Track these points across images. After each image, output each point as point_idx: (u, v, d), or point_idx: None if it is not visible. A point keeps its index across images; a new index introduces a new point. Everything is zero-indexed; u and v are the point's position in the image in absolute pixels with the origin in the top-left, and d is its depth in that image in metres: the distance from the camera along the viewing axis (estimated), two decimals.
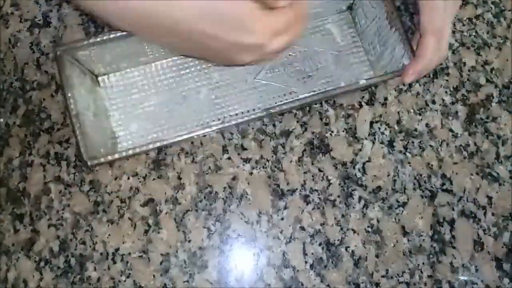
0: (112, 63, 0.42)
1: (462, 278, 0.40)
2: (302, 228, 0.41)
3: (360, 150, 0.43)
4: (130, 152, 0.37)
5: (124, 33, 0.38)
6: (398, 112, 0.44)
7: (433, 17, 0.37)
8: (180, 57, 0.44)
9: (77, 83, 0.39)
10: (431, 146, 0.43)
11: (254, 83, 0.44)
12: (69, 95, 0.37)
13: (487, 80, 0.46)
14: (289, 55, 0.45)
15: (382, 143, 0.43)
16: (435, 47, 0.38)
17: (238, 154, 0.43)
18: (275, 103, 0.43)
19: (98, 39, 0.38)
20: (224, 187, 0.42)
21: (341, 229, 0.41)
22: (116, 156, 0.37)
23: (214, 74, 0.44)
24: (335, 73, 0.44)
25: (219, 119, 0.42)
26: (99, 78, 0.44)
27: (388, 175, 0.43)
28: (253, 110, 0.43)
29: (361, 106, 0.44)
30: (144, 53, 0.42)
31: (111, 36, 0.38)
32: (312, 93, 0.43)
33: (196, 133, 0.38)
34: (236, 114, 0.43)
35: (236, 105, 0.43)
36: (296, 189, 0.42)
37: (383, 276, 0.40)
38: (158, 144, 0.37)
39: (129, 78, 0.44)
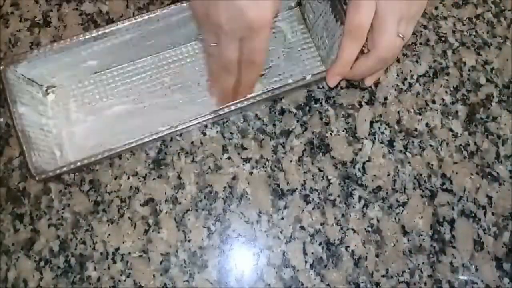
0: (59, 74, 0.42)
1: (462, 277, 0.40)
2: (302, 228, 0.41)
3: (360, 149, 0.43)
4: (79, 164, 0.37)
5: (67, 43, 0.38)
6: (398, 112, 0.44)
7: (350, 17, 0.36)
8: (130, 62, 0.43)
9: (24, 96, 0.39)
10: (431, 145, 0.43)
11: (207, 85, 0.43)
12: (14, 110, 0.37)
13: (487, 80, 0.46)
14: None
15: (382, 142, 0.43)
16: (352, 47, 0.37)
17: (238, 153, 0.43)
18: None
19: (41, 51, 0.38)
20: (224, 187, 0.42)
21: (341, 228, 0.41)
22: (65, 169, 0.37)
23: (165, 78, 0.44)
24: (287, 70, 0.44)
25: (170, 126, 0.40)
26: (48, 90, 0.43)
27: (388, 175, 0.43)
28: (203, 115, 0.41)
29: (361, 105, 0.44)
30: (92, 61, 0.41)
31: (54, 47, 0.38)
32: (261, 93, 0.40)
33: (144, 139, 0.38)
34: (191, 117, 0.41)
35: (190, 107, 0.43)
36: (296, 188, 0.42)
37: (383, 276, 0.40)
38: (106, 154, 0.37)
39: (79, 88, 0.43)
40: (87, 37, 0.38)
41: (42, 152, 0.38)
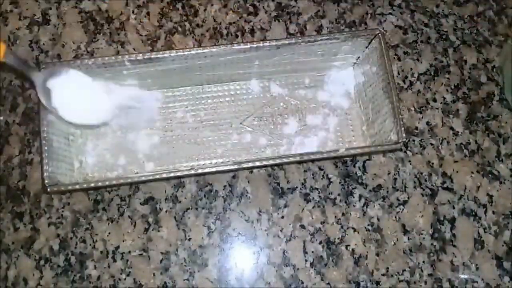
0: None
1: (462, 276, 0.40)
2: (302, 227, 0.41)
3: None
4: (92, 185, 0.37)
5: (111, 60, 0.38)
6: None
7: None
8: (169, 89, 0.43)
9: None
10: (431, 144, 0.43)
11: (239, 128, 0.43)
12: (43, 117, 0.37)
13: (488, 78, 0.46)
14: (281, 105, 0.43)
15: None
16: None
17: None
18: (256, 151, 0.42)
19: (83, 63, 0.38)
20: (224, 186, 0.42)
21: (342, 227, 0.41)
22: (77, 186, 0.36)
23: (200, 112, 0.43)
24: (322, 131, 0.42)
25: (192, 168, 0.39)
26: None
27: (389, 174, 0.42)
28: (226, 161, 0.41)
29: None
30: (132, 80, 0.41)
31: (97, 61, 0.38)
32: (287, 157, 0.38)
33: (163, 175, 0.37)
34: (215, 158, 0.42)
35: (216, 147, 0.42)
36: (296, 187, 0.42)
37: (383, 275, 0.40)
38: (121, 181, 0.37)
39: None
40: (131, 59, 0.38)
41: (60, 163, 0.38)
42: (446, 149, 0.43)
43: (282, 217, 0.41)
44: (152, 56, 0.38)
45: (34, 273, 0.39)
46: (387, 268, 0.40)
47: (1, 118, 0.43)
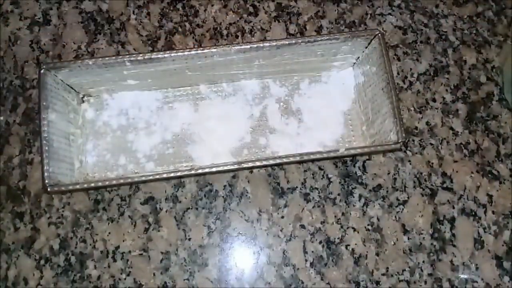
0: (97, 86, 0.41)
1: (462, 276, 0.40)
2: (302, 226, 0.41)
3: None
4: (92, 185, 0.36)
5: (111, 61, 0.38)
6: None
7: None
8: (169, 88, 0.43)
9: (58, 102, 0.39)
10: (431, 144, 0.43)
11: (240, 128, 0.42)
12: (44, 116, 0.37)
13: (488, 78, 0.46)
14: (281, 105, 0.43)
15: None
16: None
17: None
18: (256, 151, 0.42)
19: (84, 62, 0.37)
20: (224, 185, 0.42)
21: (341, 227, 0.41)
22: (77, 186, 0.36)
23: (200, 113, 0.43)
24: (322, 130, 0.42)
25: (192, 168, 0.38)
26: (84, 98, 0.43)
27: (389, 173, 0.43)
28: (226, 161, 0.41)
29: None
30: (132, 81, 0.41)
31: (97, 61, 0.38)
32: (287, 157, 0.38)
33: (163, 175, 0.36)
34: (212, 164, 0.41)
35: (216, 146, 0.42)
36: (296, 187, 0.42)
37: (383, 274, 0.40)
38: (121, 181, 0.36)
39: (115, 102, 0.43)
40: (132, 59, 0.38)
41: (61, 163, 0.38)
42: (445, 149, 0.43)
43: (282, 217, 0.41)
44: (153, 56, 0.38)
45: (34, 273, 0.39)
46: (387, 268, 0.40)
47: (2, 118, 0.43)
